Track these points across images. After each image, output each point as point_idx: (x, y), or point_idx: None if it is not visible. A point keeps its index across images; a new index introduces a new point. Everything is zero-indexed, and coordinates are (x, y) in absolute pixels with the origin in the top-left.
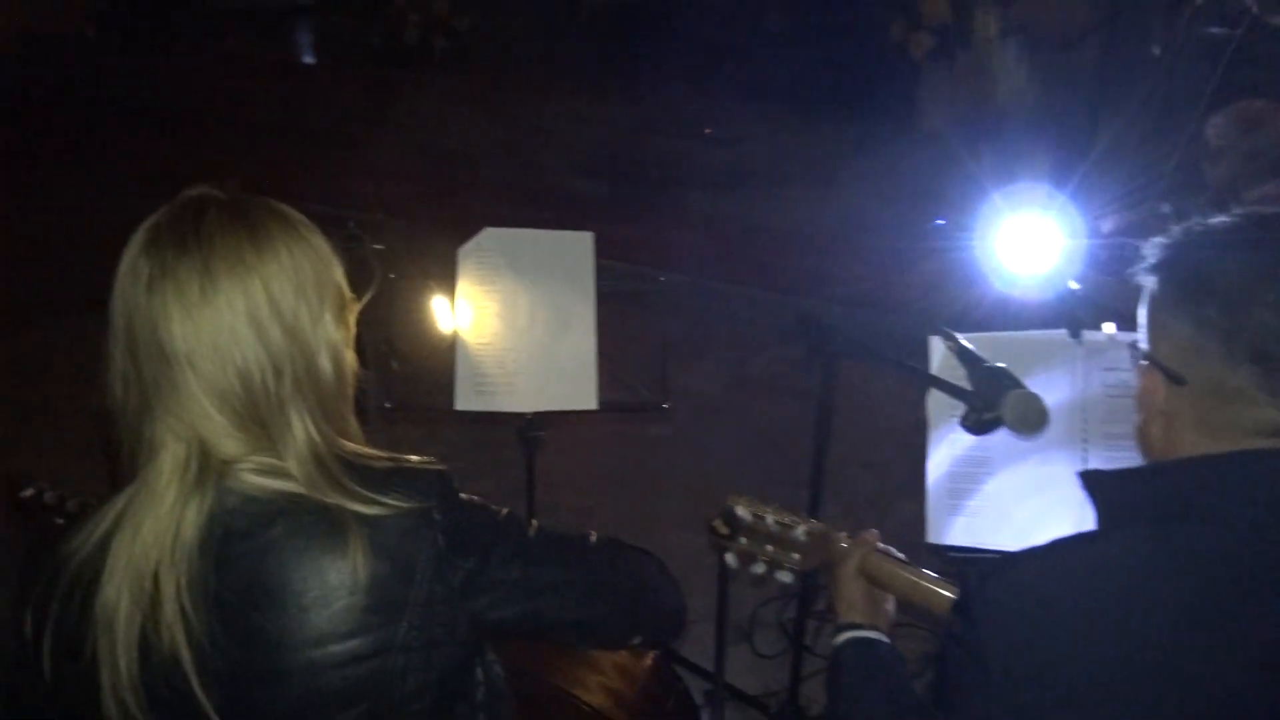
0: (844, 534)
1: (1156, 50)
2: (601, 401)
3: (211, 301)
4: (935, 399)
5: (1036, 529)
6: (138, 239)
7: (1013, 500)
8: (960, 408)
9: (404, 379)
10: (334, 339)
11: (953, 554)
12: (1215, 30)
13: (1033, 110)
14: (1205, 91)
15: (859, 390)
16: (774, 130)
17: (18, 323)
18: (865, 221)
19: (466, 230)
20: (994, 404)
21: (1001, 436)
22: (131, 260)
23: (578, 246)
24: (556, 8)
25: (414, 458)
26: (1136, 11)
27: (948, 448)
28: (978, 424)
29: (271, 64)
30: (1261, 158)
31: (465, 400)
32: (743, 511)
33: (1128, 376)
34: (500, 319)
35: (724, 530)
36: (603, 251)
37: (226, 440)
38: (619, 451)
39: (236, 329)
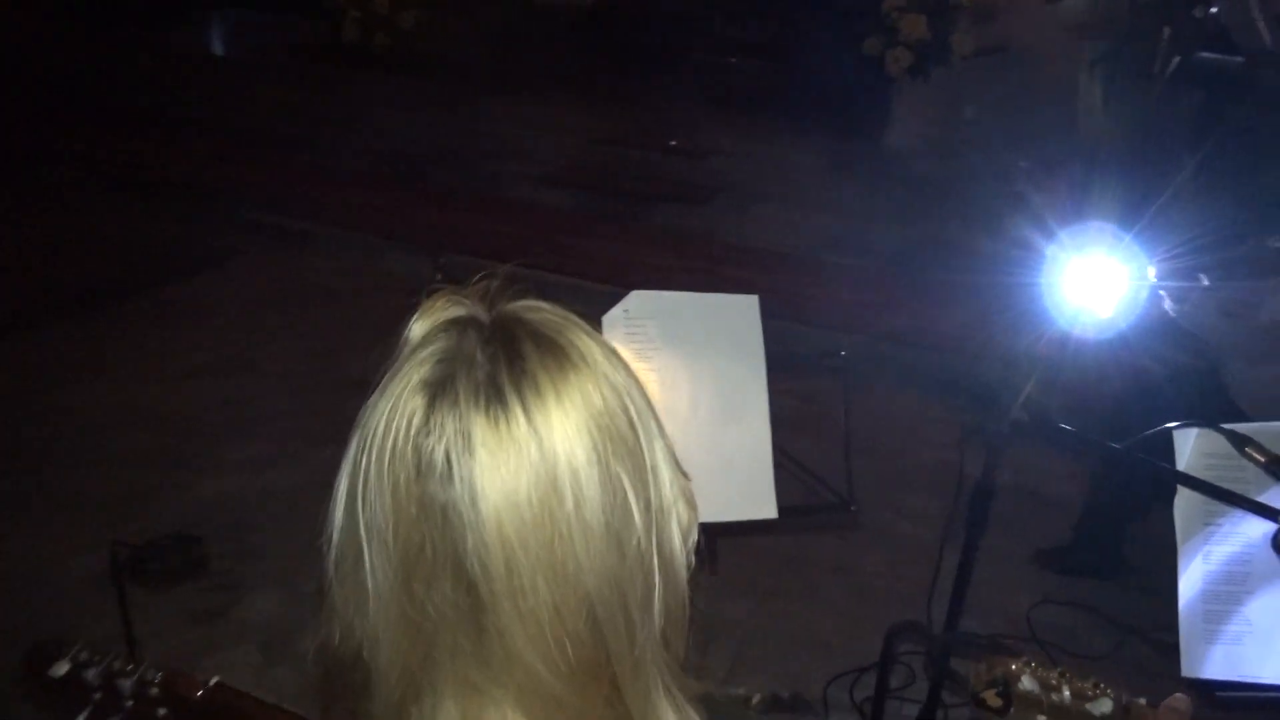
0: (1143, 703)
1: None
2: (781, 507)
3: (554, 490)
4: (1187, 503)
5: None
6: (408, 400)
7: (1278, 625)
8: (1222, 515)
9: None
10: (685, 524)
11: (1222, 693)
12: (1213, 56)
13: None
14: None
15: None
16: (743, 143)
17: None
18: (845, 242)
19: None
20: None
21: (1262, 549)
22: (404, 429)
23: (741, 312)
24: (507, 10)
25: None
26: (1139, 38)
27: (1201, 563)
28: None
29: (195, 58)
30: None
31: None
32: (1031, 683)
33: None
34: (657, 404)
35: (996, 703)
36: (568, 268)
37: (554, 712)
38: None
39: (589, 530)
